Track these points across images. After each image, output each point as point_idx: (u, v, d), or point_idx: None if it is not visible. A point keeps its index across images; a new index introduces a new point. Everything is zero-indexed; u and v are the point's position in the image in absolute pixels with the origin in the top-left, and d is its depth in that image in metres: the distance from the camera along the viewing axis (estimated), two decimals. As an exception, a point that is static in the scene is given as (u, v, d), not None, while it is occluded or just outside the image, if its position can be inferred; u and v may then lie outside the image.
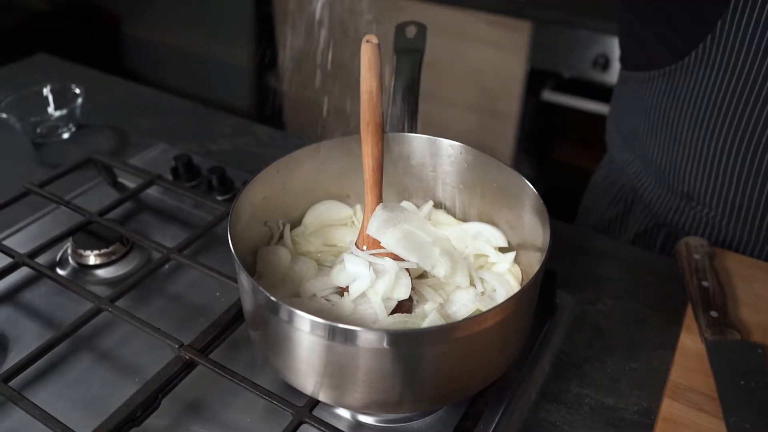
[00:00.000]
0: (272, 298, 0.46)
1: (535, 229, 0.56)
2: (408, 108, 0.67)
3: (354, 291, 0.55)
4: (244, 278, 0.49)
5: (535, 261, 0.55)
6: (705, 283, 0.68)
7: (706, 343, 0.63)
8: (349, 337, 0.44)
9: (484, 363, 0.51)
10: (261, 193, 0.60)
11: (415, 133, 0.64)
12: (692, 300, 0.67)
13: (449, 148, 0.63)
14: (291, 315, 0.46)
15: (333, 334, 0.45)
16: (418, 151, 0.65)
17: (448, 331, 0.46)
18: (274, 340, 0.51)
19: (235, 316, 0.61)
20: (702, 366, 0.61)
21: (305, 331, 0.46)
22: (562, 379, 0.62)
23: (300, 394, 0.58)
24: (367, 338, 0.44)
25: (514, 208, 0.60)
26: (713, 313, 0.64)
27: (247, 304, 0.53)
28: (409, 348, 0.46)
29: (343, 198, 0.67)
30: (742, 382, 0.59)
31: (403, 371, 0.47)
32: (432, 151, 0.64)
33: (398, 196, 0.68)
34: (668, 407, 0.58)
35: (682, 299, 0.69)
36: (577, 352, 0.65)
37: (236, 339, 0.62)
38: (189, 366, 0.57)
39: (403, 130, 0.65)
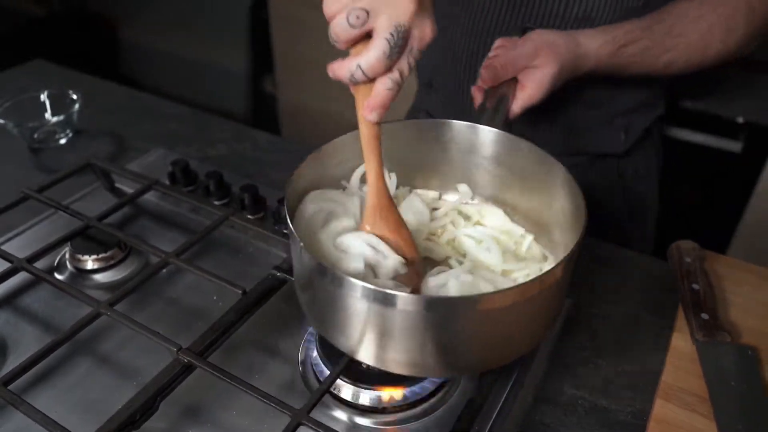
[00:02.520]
0: (321, 263, 0.49)
1: (566, 211, 0.59)
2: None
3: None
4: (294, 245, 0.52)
5: (568, 241, 0.57)
6: (696, 286, 0.69)
7: (697, 345, 0.64)
8: (389, 300, 0.47)
9: (517, 335, 0.53)
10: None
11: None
12: (683, 302, 0.68)
13: (488, 133, 0.65)
14: (335, 279, 0.49)
15: (374, 297, 0.47)
16: (458, 137, 0.67)
17: (477, 301, 0.48)
18: (320, 302, 0.54)
19: (234, 319, 0.62)
20: (694, 367, 0.62)
21: (355, 296, 0.48)
22: (557, 381, 0.63)
23: (298, 396, 0.59)
24: (405, 301, 0.47)
25: (546, 190, 0.62)
26: (704, 316, 0.65)
27: (297, 267, 0.56)
28: (444, 313, 0.48)
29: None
30: (732, 384, 0.60)
31: (437, 336, 0.49)
32: (469, 136, 0.66)
33: (442, 180, 0.71)
34: (661, 408, 0.59)
35: (675, 302, 0.70)
36: (571, 354, 0.66)
37: (234, 342, 0.63)
38: (187, 369, 0.57)
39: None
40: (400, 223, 0.58)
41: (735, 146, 1.41)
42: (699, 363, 0.63)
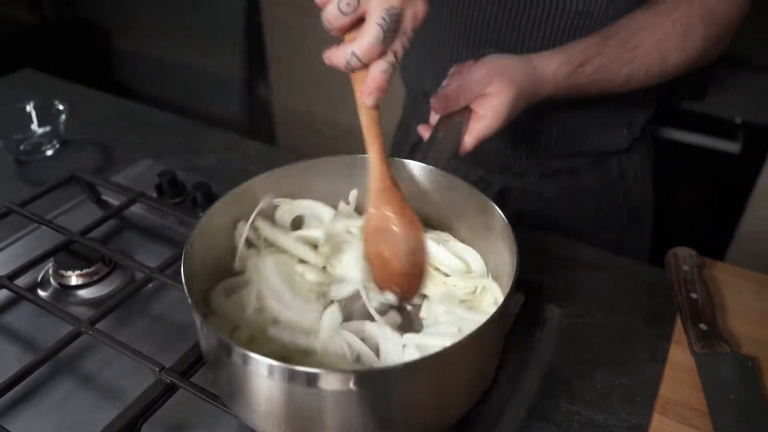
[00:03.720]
0: (225, 340, 0.45)
1: (504, 257, 0.55)
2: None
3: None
4: (196, 317, 0.48)
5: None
6: (694, 295, 0.67)
7: (695, 356, 0.62)
8: (311, 379, 0.43)
9: (456, 395, 0.50)
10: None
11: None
12: (681, 312, 0.66)
13: (418, 169, 0.63)
14: (245, 358, 0.44)
15: (292, 377, 0.43)
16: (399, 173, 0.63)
17: (415, 367, 0.45)
18: (231, 384, 0.49)
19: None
20: (692, 380, 0.61)
21: (262, 375, 0.44)
22: (552, 396, 0.61)
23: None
24: (330, 380, 0.43)
25: (488, 235, 0.59)
26: (702, 326, 0.64)
27: (203, 344, 0.52)
28: (376, 387, 0.44)
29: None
30: (732, 396, 0.58)
31: (372, 412, 0.46)
32: (404, 174, 0.63)
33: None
34: (658, 423, 0.57)
35: (672, 311, 0.69)
36: (565, 367, 0.64)
37: (219, 360, 0.61)
38: (170, 389, 0.56)
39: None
40: (404, 204, 0.58)
41: (733, 147, 1.39)
42: (697, 375, 0.61)
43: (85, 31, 2.83)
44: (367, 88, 0.52)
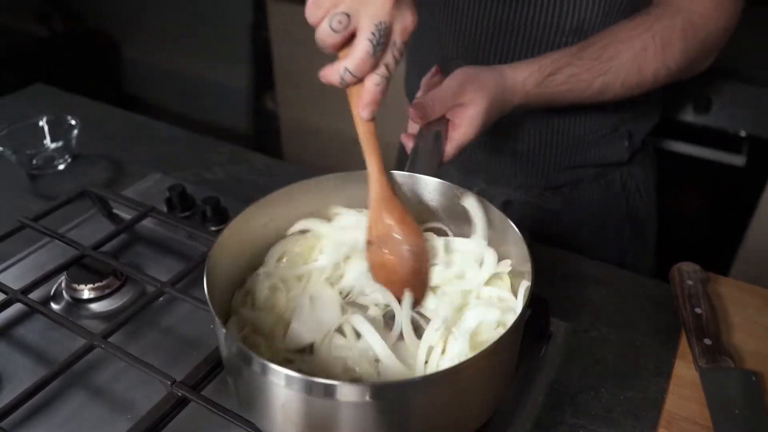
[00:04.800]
0: (245, 349, 0.46)
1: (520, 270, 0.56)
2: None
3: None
4: (218, 327, 0.49)
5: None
6: (698, 310, 0.68)
7: (700, 371, 0.63)
8: (327, 390, 0.44)
9: (472, 408, 0.51)
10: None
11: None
12: (686, 327, 0.67)
13: (432, 185, 0.64)
14: (264, 368, 0.45)
15: (310, 388, 0.44)
16: (403, 190, 0.65)
17: (431, 380, 0.46)
18: (249, 392, 0.50)
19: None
20: (697, 395, 0.61)
21: (280, 385, 0.45)
22: (557, 410, 0.62)
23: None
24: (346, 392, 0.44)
25: (502, 245, 0.60)
26: (707, 341, 0.64)
27: (223, 352, 0.53)
28: (393, 399, 0.45)
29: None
30: (736, 411, 0.59)
31: (388, 424, 0.46)
32: (413, 187, 0.64)
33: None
34: (663, 438, 0.58)
35: (677, 326, 0.69)
36: (571, 381, 0.65)
37: (229, 374, 0.62)
38: (182, 403, 0.57)
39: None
40: (404, 212, 0.60)
41: (738, 160, 1.40)
42: (702, 389, 0.61)
43: (94, 43, 2.86)
44: (362, 101, 0.54)
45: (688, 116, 1.42)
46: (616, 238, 1.01)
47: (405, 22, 0.52)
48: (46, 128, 1.03)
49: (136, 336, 0.69)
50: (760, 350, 0.66)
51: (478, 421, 0.53)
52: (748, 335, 0.68)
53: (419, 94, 0.76)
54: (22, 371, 0.65)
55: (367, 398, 0.44)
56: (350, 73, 0.52)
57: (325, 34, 0.51)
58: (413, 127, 0.72)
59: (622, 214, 1.00)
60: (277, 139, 2.39)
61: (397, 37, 0.52)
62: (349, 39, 0.52)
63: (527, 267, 0.54)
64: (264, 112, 2.45)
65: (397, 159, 1.09)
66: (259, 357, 0.45)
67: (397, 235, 0.59)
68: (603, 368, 0.66)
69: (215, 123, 2.52)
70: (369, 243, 0.61)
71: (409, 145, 0.71)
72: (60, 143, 0.99)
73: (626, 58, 0.75)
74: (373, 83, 0.53)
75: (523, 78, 0.74)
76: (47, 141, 1.02)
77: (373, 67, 0.52)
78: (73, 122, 1.01)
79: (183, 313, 0.72)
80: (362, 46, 0.51)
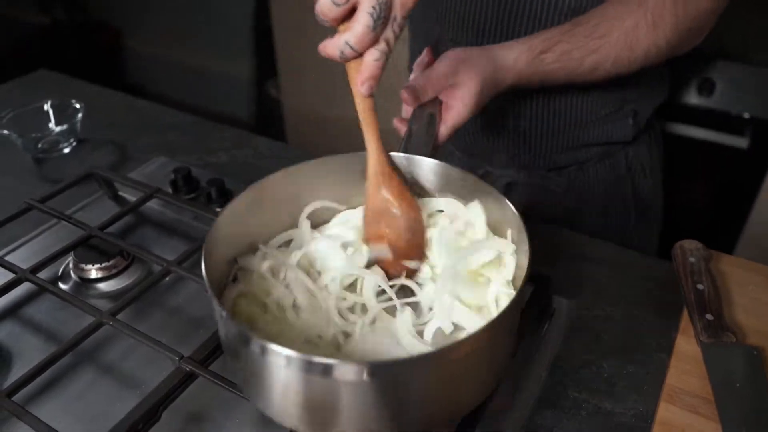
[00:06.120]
0: (244, 330, 0.47)
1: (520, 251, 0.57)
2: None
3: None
4: (215, 306, 0.49)
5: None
6: (700, 286, 0.68)
7: (701, 346, 0.63)
8: (326, 370, 0.44)
9: (470, 386, 0.51)
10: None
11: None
12: (687, 303, 0.67)
13: (430, 166, 0.64)
14: (263, 348, 0.45)
15: (309, 367, 0.44)
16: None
17: (429, 359, 0.46)
18: (249, 373, 0.50)
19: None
20: (698, 369, 0.62)
21: (280, 365, 0.46)
22: (560, 385, 0.63)
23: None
24: (345, 371, 0.44)
25: (497, 227, 0.61)
26: (708, 316, 0.65)
27: (222, 333, 0.53)
28: (390, 378, 0.46)
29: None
30: (738, 385, 0.59)
31: (386, 402, 0.47)
32: (411, 169, 0.64)
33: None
34: (665, 411, 0.58)
35: (679, 303, 0.70)
36: (574, 357, 0.65)
37: (236, 350, 0.63)
38: (189, 378, 0.58)
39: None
40: (403, 187, 0.60)
41: (741, 142, 1.40)
42: (704, 364, 0.62)
43: (96, 32, 2.86)
44: (361, 76, 0.54)
45: (692, 98, 1.42)
46: (621, 220, 1.02)
47: None
48: (50, 112, 1.03)
49: (144, 315, 0.70)
50: (761, 327, 0.66)
51: (477, 399, 0.53)
52: (750, 312, 0.68)
53: (412, 76, 0.76)
54: (31, 349, 0.66)
55: (365, 377, 0.44)
56: (350, 47, 0.52)
57: (326, 6, 0.51)
58: (407, 111, 0.72)
59: (627, 196, 1.00)
60: (280, 126, 2.39)
61: (398, 12, 0.52)
62: (350, 13, 0.52)
63: (525, 246, 0.54)
64: (267, 100, 2.45)
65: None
66: (258, 338, 0.45)
67: (395, 210, 0.60)
68: (605, 344, 0.67)
69: (218, 112, 2.52)
70: (365, 216, 0.62)
71: (402, 128, 0.72)
72: (65, 127, 1.00)
73: (618, 36, 0.75)
74: (372, 58, 0.53)
75: (514, 57, 0.74)
76: (52, 125, 1.03)
77: (373, 41, 0.52)
78: (77, 106, 1.02)
79: (189, 292, 0.73)
80: (363, 20, 0.50)
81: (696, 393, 0.60)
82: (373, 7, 0.50)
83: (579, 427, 0.59)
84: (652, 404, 0.60)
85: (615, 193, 1.00)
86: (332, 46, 0.53)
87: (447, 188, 0.64)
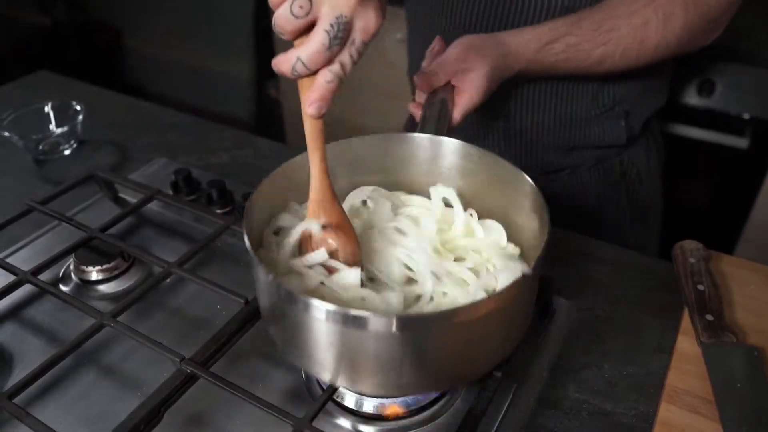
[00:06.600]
0: (288, 289, 0.49)
1: (533, 221, 0.59)
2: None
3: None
4: (260, 271, 0.52)
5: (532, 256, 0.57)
6: (700, 287, 0.68)
7: (702, 346, 0.63)
8: (360, 322, 0.47)
9: (489, 346, 0.53)
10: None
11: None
12: (688, 303, 0.68)
13: (450, 145, 0.65)
14: (306, 304, 0.48)
15: (345, 320, 0.47)
16: (422, 151, 0.66)
17: (452, 316, 0.48)
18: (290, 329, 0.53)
19: (236, 329, 0.62)
20: (699, 369, 0.62)
21: (320, 319, 0.48)
22: (560, 385, 0.63)
23: (302, 405, 0.59)
24: (376, 323, 0.47)
25: (515, 202, 0.62)
26: (709, 317, 0.65)
27: (262, 296, 0.56)
28: (417, 332, 0.48)
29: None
30: (738, 385, 0.59)
31: (411, 354, 0.49)
32: (434, 149, 0.66)
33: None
34: (665, 411, 0.59)
35: (679, 304, 0.70)
36: (574, 357, 0.66)
37: (237, 351, 0.63)
38: (191, 379, 0.58)
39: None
40: (342, 217, 0.58)
41: (741, 142, 1.40)
42: (704, 364, 0.62)
43: (96, 32, 2.86)
44: (310, 97, 0.50)
45: (692, 99, 1.42)
46: (616, 226, 1.01)
47: (368, 21, 0.49)
48: (51, 114, 1.03)
49: (145, 317, 0.70)
50: (761, 326, 0.66)
51: (494, 361, 0.55)
52: (750, 312, 0.68)
53: (424, 63, 0.77)
54: (33, 351, 0.66)
55: (394, 330, 0.47)
56: (302, 63, 0.49)
57: (284, 18, 0.48)
58: (420, 96, 0.74)
59: (622, 202, 1.00)
60: (280, 126, 2.39)
61: (357, 35, 0.49)
62: (308, 29, 0.49)
63: (545, 214, 0.56)
64: (267, 101, 2.45)
65: (405, 130, 1.10)
66: (302, 295, 0.48)
67: (331, 241, 0.57)
68: (605, 345, 0.67)
69: (219, 112, 2.52)
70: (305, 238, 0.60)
71: (417, 113, 0.73)
72: (65, 128, 1.00)
73: (627, 31, 0.76)
74: (325, 79, 0.49)
75: (523, 44, 0.76)
76: (53, 126, 1.03)
77: (328, 61, 0.49)
78: (78, 108, 1.02)
79: (190, 293, 0.73)
80: (318, 37, 0.48)
81: (697, 393, 0.60)
82: (331, 25, 0.47)
83: (580, 427, 0.59)
84: (653, 404, 0.60)
85: (609, 201, 0.99)
86: (285, 61, 0.50)
87: (467, 165, 0.65)
